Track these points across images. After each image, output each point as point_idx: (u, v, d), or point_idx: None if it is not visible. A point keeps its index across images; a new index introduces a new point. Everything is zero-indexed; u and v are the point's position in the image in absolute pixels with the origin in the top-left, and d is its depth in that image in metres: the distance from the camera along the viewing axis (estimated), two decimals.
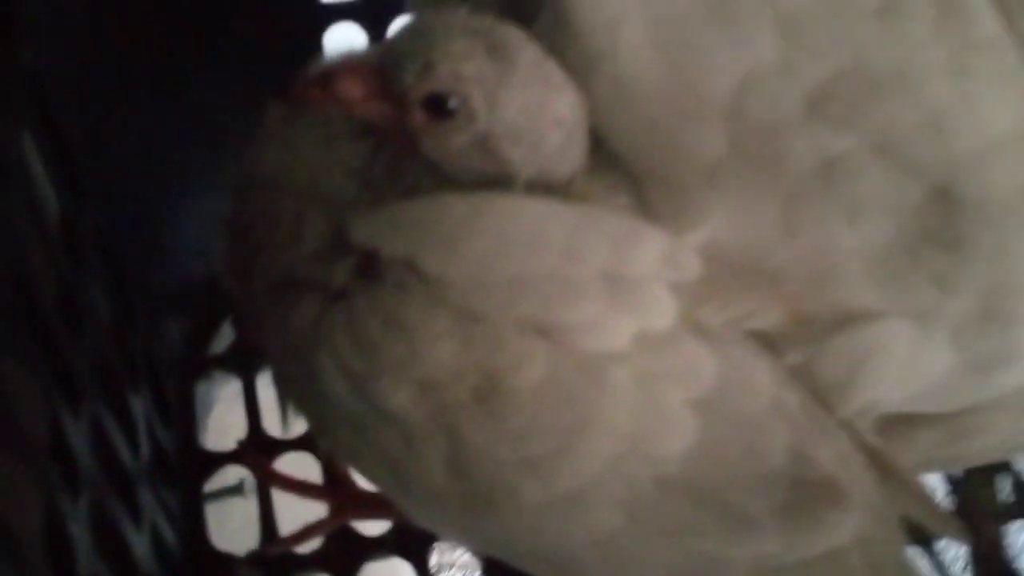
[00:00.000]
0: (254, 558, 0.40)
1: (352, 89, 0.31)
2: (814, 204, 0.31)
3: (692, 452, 0.31)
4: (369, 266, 0.31)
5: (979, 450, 0.38)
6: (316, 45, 0.46)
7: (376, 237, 0.30)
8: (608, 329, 0.30)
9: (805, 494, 0.31)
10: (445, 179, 0.32)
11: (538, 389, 0.30)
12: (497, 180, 0.32)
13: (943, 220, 0.31)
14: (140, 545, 0.35)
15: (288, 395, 0.35)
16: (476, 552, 0.41)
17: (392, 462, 0.32)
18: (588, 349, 0.30)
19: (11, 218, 0.29)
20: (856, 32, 0.31)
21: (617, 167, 0.33)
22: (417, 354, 0.30)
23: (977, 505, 0.45)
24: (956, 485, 0.45)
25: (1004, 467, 0.45)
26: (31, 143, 0.29)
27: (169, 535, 0.39)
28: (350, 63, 0.32)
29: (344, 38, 0.46)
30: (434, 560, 0.42)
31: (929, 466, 0.39)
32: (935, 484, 0.45)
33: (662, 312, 0.30)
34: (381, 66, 0.31)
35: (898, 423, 0.35)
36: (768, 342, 0.32)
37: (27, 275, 0.29)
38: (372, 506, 0.41)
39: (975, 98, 0.31)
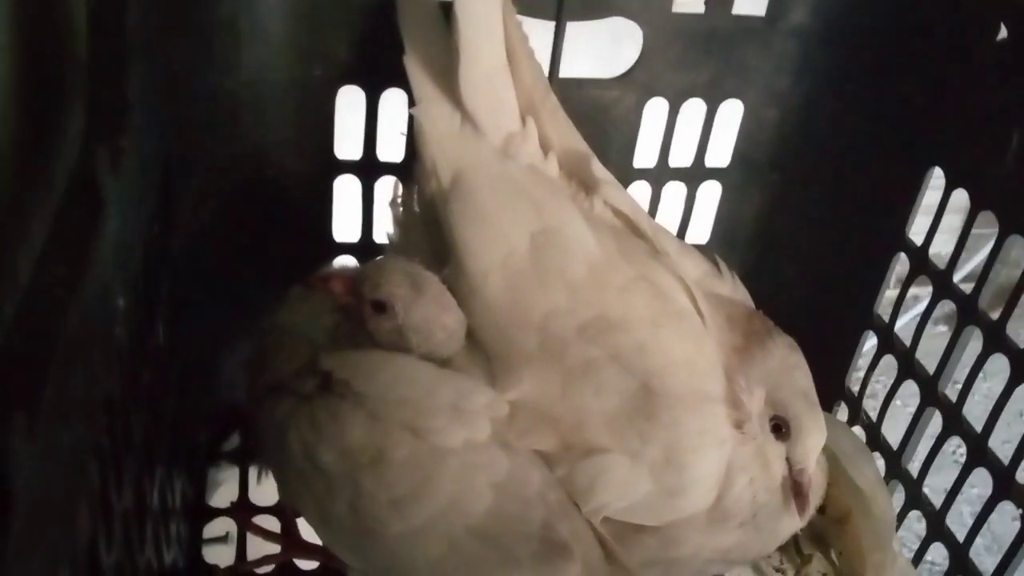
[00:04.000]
0: (229, 571, 0.62)
1: (338, 286, 0.53)
2: (578, 383, 0.54)
3: (487, 513, 0.51)
4: (326, 383, 0.52)
5: (688, 558, 0.57)
6: (327, 263, 0.67)
7: (332, 365, 0.52)
8: (448, 434, 0.51)
9: (548, 548, 0.51)
10: (376, 343, 0.54)
11: (405, 461, 0.50)
12: (403, 349, 0.54)
13: (644, 401, 0.53)
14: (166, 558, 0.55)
15: (265, 461, 0.58)
16: (364, 571, 0.58)
17: (319, 501, 0.52)
18: (435, 443, 0.50)
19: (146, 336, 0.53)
20: (606, 297, 0.55)
21: (479, 350, 0.55)
22: (342, 433, 0.50)
23: None
24: None
25: None
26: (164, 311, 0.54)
27: (178, 555, 0.60)
28: (340, 273, 0.55)
29: (345, 261, 0.68)
30: None
31: (656, 567, 0.59)
32: None
33: (481, 431, 0.51)
34: (357, 279, 0.54)
35: (629, 529, 0.55)
36: (546, 459, 0.54)
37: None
38: (308, 550, 0.62)
39: (664, 338, 0.55)
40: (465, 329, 0.55)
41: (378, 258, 0.61)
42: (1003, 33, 0.56)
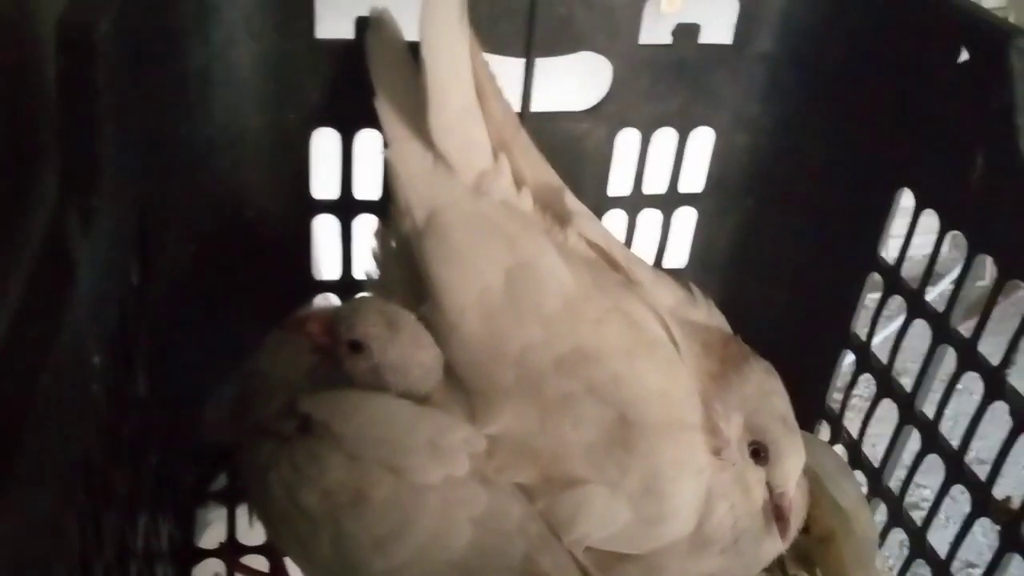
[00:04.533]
0: None
1: (315, 328, 0.54)
2: (556, 416, 0.54)
3: (468, 548, 0.51)
4: (305, 424, 0.53)
5: None
6: (308, 302, 0.68)
7: (311, 408, 0.53)
8: (427, 471, 0.51)
9: None
10: (353, 383, 0.54)
11: (385, 500, 0.51)
12: (381, 388, 0.54)
13: (621, 432, 0.54)
14: None
15: (251, 501, 0.59)
16: None
17: (302, 540, 0.53)
18: (415, 481, 0.51)
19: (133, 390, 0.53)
20: (580, 330, 0.56)
21: (458, 386, 0.56)
22: (322, 475, 0.51)
23: None
24: None
25: None
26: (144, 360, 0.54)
27: None
28: (316, 315, 0.56)
29: (328, 299, 0.69)
30: None
31: None
32: None
33: (460, 467, 0.52)
34: (333, 319, 0.55)
35: (611, 558, 0.55)
36: (526, 492, 0.55)
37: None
38: None
39: (638, 368, 0.56)
40: (442, 365, 0.56)
41: (354, 298, 0.61)
42: (964, 56, 0.57)
